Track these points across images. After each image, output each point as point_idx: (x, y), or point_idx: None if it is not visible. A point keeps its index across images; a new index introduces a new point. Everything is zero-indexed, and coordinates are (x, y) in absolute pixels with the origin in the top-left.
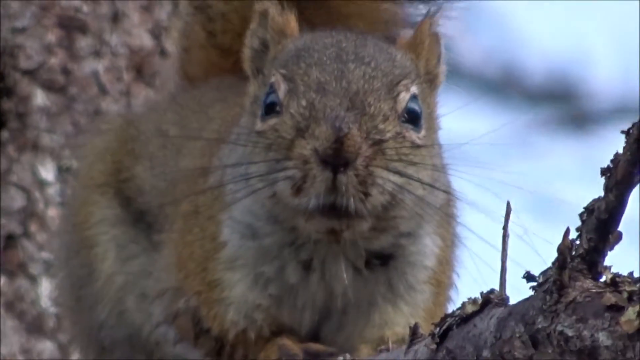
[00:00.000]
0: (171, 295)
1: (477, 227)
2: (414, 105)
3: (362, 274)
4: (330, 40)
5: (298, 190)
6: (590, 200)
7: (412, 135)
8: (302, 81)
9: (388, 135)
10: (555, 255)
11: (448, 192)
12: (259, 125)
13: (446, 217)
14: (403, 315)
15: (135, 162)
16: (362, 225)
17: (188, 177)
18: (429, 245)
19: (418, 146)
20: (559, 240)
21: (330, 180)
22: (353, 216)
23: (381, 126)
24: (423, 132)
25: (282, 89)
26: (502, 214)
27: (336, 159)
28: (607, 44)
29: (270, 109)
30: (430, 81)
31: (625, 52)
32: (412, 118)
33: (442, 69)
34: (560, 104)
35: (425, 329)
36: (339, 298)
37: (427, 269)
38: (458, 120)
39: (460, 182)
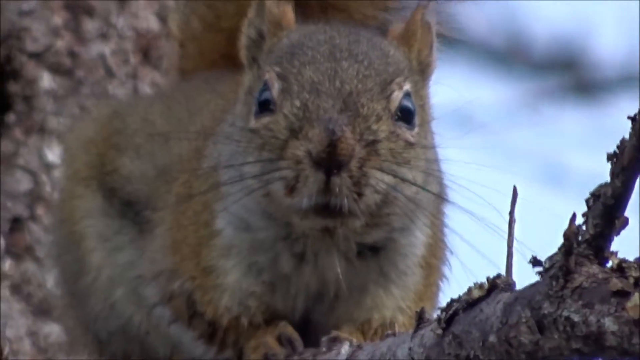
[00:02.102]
0: (167, 276)
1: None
2: (407, 103)
3: (354, 263)
4: (324, 36)
5: (291, 190)
6: (597, 168)
7: (406, 133)
8: (296, 80)
9: (381, 135)
10: (561, 239)
11: (439, 195)
12: (253, 123)
13: (438, 203)
14: (394, 299)
15: (120, 155)
16: (355, 223)
17: (182, 159)
18: (419, 237)
19: (411, 144)
20: (566, 213)
21: (324, 182)
22: (346, 215)
23: (374, 127)
24: (416, 129)
25: (275, 87)
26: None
27: (330, 162)
28: (611, 13)
29: (264, 106)
30: (422, 71)
31: (629, 21)
32: (406, 116)
33: (434, 57)
34: (565, 73)
35: (413, 309)
36: (332, 285)
37: (417, 256)
38: (465, 89)
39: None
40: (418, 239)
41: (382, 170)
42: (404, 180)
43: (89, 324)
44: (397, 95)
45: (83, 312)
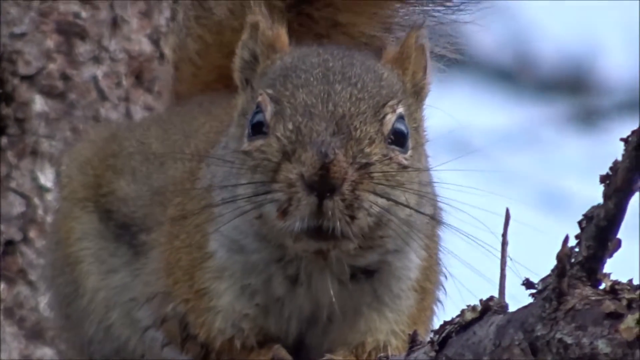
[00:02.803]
0: (160, 299)
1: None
2: (401, 126)
3: (347, 286)
4: (317, 59)
5: (284, 213)
6: (590, 206)
7: (399, 156)
8: (289, 103)
9: (374, 158)
10: (554, 262)
11: (433, 217)
12: (246, 145)
13: (432, 226)
14: (387, 322)
15: (117, 177)
16: (348, 245)
17: (176, 181)
18: (414, 260)
19: (405, 167)
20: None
21: (316, 205)
22: (339, 237)
23: (367, 150)
24: (410, 152)
25: (268, 110)
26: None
27: (322, 185)
28: (619, 34)
29: (257, 129)
30: (416, 93)
31: (637, 40)
32: (399, 139)
33: (428, 80)
34: (572, 94)
35: (407, 333)
36: (325, 308)
37: (411, 279)
38: (469, 110)
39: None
40: (413, 262)
41: (375, 193)
42: (397, 202)
43: (83, 347)
44: (390, 118)
45: (77, 334)
